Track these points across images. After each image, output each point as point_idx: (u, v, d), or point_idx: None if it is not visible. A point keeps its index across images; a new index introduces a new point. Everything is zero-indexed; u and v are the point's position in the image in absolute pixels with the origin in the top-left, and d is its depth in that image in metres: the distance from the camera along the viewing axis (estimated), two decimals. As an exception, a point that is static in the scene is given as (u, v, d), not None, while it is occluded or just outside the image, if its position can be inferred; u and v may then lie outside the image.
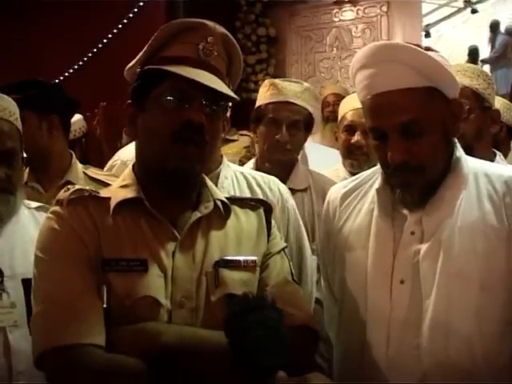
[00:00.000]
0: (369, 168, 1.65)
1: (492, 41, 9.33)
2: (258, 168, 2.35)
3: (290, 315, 1.25)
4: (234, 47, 1.40)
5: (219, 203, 1.38)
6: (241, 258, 1.34)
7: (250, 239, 1.39)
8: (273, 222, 1.46)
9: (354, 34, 6.20)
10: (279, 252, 1.42)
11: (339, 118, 2.69)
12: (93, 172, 2.29)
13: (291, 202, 2.07)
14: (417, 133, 1.37)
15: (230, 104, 1.43)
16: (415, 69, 1.35)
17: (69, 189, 1.34)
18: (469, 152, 1.54)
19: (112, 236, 1.28)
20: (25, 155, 1.74)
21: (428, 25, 8.99)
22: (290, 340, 1.18)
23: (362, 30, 6.15)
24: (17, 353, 1.54)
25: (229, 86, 1.35)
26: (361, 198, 1.56)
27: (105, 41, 5.78)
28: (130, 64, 1.40)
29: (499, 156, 2.27)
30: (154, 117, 1.31)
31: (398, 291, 1.42)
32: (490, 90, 2.16)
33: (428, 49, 1.40)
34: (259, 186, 2.00)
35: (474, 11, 8.94)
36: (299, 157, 2.49)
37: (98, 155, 3.53)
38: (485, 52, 9.31)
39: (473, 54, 8.92)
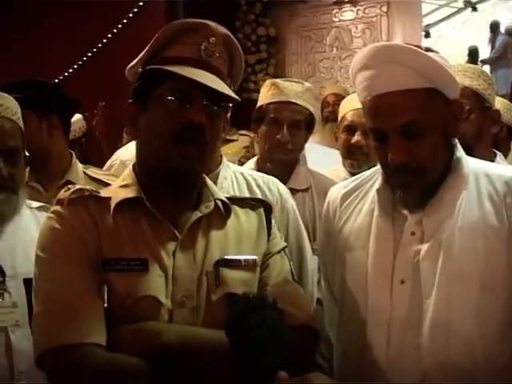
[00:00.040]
0: (369, 168, 1.65)
1: (492, 41, 9.35)
2: (259, 168, 2.35)
3: (291, 315, 1.25)
4: (236, 48, 1.40)
5: (219, 203, 1.39)
6: (241, 258, 1.35)
7: (250, 239, 1.39)
8: (273, 221, 1.46)
9: (353, 34, 6.21)
10: (279, 252, 1.42)
11: (339, 118, 2.68)
12: (93, 172, 2.29)
13: (291, 201, 2.06)
14: (417, 134, 1.36)
15: (231, 105, 1.43)
16: (415, 70, 1.35)
17: (69, 188, 1.34)
18: (469, 152, 1.53)
19: (112, 236, 1.28)
20: (27, 154, 1.74)
21: (428, 25, 9.01)
22: (290, 340, 1.17)
23: (362, 30, 6.15)
24: (18, 353, 1.54)
25: (230, 87, 1.35)
26: (361, 199, 1.56)
27: (105, 41, 5.79)
28: (132, 64, 1.40)
29: (499, 156, 2.27)
30: (155, 116, 1.32)
31: (399, 291, 1.42)
32: (490, 90, 2.16)
33: (428, 49, 1.40)
34: (258, 186, 2.00)
35: (474, 8, 8.97)
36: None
37: (97, 155, 3.54)
38: (485, 52, 9.32)
39: (473, 55, 8.93)
